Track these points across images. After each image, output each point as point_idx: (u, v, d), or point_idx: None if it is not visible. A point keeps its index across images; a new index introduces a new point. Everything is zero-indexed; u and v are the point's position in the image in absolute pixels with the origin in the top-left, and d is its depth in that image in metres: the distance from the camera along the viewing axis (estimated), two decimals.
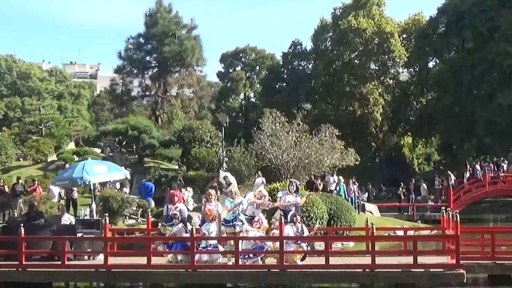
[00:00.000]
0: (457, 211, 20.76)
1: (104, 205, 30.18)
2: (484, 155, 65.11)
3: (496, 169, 48.11)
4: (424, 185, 49.58)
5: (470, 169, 48.53)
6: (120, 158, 44.59)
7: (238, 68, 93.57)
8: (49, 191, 34.87)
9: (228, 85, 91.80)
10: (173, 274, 18.64)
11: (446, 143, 71.38)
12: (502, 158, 52.22)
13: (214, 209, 19.51)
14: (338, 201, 31.42)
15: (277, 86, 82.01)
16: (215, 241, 18.95)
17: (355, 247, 26.11)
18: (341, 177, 38.80)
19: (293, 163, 37.11)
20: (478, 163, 50.59)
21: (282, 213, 19.80)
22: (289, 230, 18.85)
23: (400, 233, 25.96)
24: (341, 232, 28.06)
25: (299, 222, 19.21)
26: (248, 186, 34.43)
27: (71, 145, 57.28)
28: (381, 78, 73.71)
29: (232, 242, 18.89)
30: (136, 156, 47.40)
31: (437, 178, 49.77)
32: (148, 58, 65.67)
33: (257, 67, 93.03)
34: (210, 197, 20.06)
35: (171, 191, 22.74)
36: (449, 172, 49.25)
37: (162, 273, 18.69)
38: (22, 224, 19.39)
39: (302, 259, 18.72)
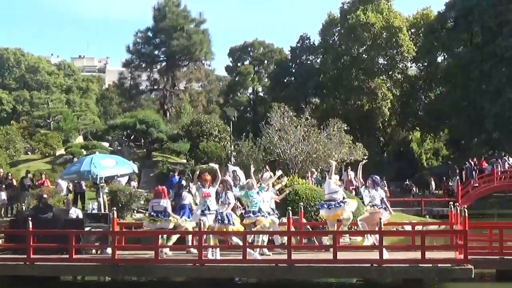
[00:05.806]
0: (465, 206, 20.74)
1: (112, 199, 30.21)
2: (493, 150, 64.86)
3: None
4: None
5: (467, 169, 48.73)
6: (128, 152, 44.69)
7: (247, 62, 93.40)
8: (57, 185, 34.89)
9: (236, 79, 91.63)
10: (180, 269, 18.69)
11: (455, 138, 71.13)
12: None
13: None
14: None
15: (285, 80, 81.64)
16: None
17: (363, 242, 26.00)
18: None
19: (301, 158, 36.95)
20: (474, 162, 50.31)
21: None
22: None
23: (408, 228, 25.88)
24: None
25: None
26: (256, 180, 34.29)
27: (79, 139, 57.52)
28: (390, 73, 73.39)
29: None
30: (144, 150, 47.49)
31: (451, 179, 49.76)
32: (156, 52, 65.82)
33: (265, 61, 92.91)
34: (205, 182, 20.22)
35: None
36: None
37: (170, 267, 18.72)
38: (30, 218, 19.43)
39: None
